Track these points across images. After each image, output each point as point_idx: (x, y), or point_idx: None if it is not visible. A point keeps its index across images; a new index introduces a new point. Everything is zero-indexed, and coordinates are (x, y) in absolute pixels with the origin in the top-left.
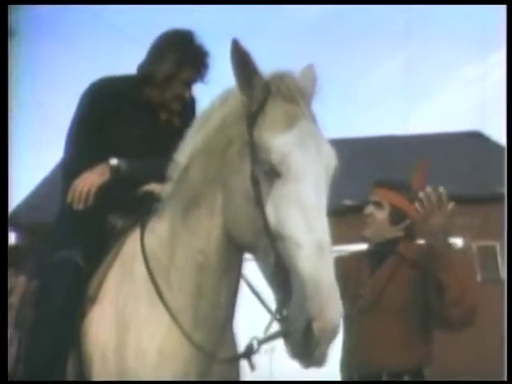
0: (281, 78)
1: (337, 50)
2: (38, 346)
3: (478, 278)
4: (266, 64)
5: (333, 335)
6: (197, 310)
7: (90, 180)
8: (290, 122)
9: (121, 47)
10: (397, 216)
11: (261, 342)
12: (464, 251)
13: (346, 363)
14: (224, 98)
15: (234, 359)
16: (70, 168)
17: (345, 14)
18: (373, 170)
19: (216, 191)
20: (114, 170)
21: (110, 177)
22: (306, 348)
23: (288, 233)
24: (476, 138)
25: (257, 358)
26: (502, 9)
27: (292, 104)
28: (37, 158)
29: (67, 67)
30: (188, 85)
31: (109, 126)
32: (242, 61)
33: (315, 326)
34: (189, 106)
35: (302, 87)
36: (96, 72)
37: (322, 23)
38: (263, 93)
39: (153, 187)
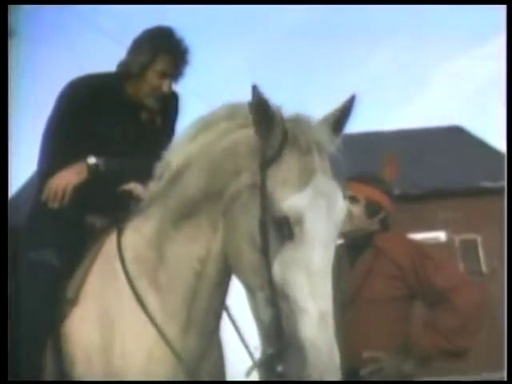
0: (297, 126)
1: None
2: (16, 351)
3: (461, 270)
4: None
5: None
6: (190, 312)
7: (67, 178)
8: (305, 179)
9: (121, 47)
10: (372, 209)
11: (251, 370)
12: (447, 245)
13: None
14: (231, 112)
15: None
16: (45, 166)
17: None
18: (354, 166)
19: (216, 211)
20: (93, 169)
21: (87, 176)
22: None
23: (293, 295)
24: (457, 133)
25: None
26: (501, 9)
27: (308, 156)
28: (36, 158)
29: (67, 67)
30: (164, 77)
31: (88, 126)
32: (261, 107)
33: None
34: (170, 104)
35: (318, 138)
36: (96, 72)
37: (310, 22)
38: (280, 140)
39: (132, 186)
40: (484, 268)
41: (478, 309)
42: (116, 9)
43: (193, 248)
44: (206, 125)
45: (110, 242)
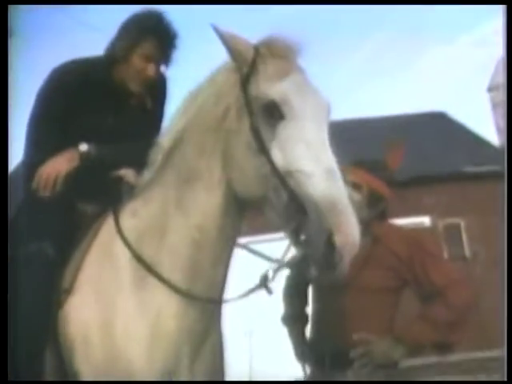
0: (269, 38)
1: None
2: (15, 344)
3: (445, 255)
4: None
5: (353, 248)
6: (192, 287)
7: (58, 166)
8: (284, 74)
9: None
10: (374, 199)
11: (277, 270)
12: (431, 229)
13: (316, 340)
14: (211, 79)
15: (249, 292)
16: (34, 155)
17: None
18: (339, 152)
19: (212, 165)
20: (84, 156)
21: (79, 163)
22: (329, 263)
23: (297, 167)
24: (440, 119)
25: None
26: (501, 9)
27: (282, 60)
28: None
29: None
30: (150, 61)
31: (76, 112)
32: (226, 32)
33: (336, 239)
34: (159, 87)
35: (289, 45)
36: (82, 57)
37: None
38: (252, 54)
39: (124, 172)
40: (467, 252)
41: (470, 306)
42: (116, 8)
43: (190, 219)
44: (192, 96)
45: (105, 229)
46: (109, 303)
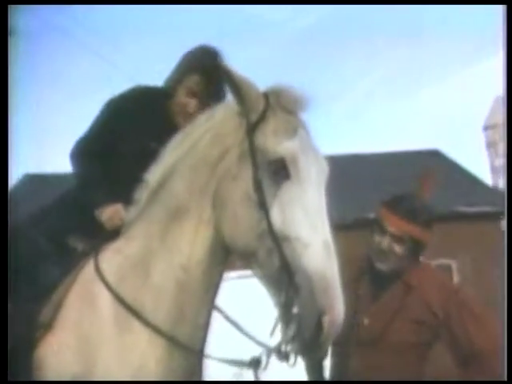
0: (279, 90)
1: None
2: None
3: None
4: (262, 70)
5: (338, 329)
6: (175, 331)
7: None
8: (292, 131)
9: (120, 47)
10: (416, 249)
11: (271, 351)
12: None
13: None
14: (209, 115)
15: (235, 364)
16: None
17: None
18: (334, 188)
19: (203, 204)
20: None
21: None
22: (316, 343)
23: (295, 234)
24: (434, 157)
25: None
26: (501, 9)
27: (291, 115)
28: (37, 157)
29: (67, 67)
30: (193, 96)
31: (123, 134)
32: (229, 73)
33: (326, 319)
34: None
35: (298, 99)
36: (96, 71)
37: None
38: (262, 104)
39: (113, 209)
40: None
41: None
42: (114, 9)
43: (175, 258)
44: (186, 134)
45: (88, 266)
46: (89, 348)
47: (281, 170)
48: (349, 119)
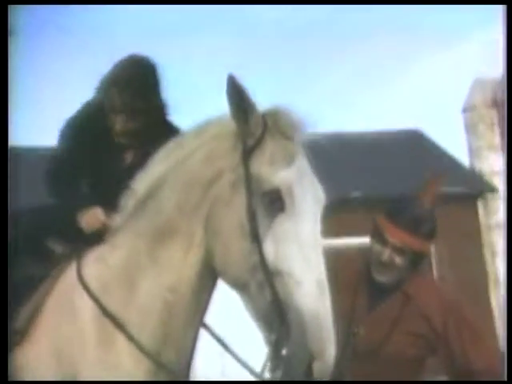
0: (277, 113)
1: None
2: None
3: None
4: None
5: (327, 375)
6: (162, 351)
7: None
8: (290, 159)
9: (119, 46)
10: (417, 260)
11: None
12: None
13: None
14: (201, 130)
15: None
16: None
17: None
18: (314, 167)
19: (194, 226)
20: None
21: None
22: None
23: (288, 270)
24: (416, 138)
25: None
26: (501, 9)
27: (288, 141)
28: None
29: (67, 67)
30: (116, 113)
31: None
32: (237, 96)
33: (316, 365)
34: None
35: (296, 124)
36: (95, 71)
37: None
38: (260, 128)
39: (93, 213)
40: (435, 276)
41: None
42: (115, 8)
43: (164, 278)
44: (176, 144)
45: (69, 273)
46: (69, 362)
47: (276, 201)
48: (331, 99)
